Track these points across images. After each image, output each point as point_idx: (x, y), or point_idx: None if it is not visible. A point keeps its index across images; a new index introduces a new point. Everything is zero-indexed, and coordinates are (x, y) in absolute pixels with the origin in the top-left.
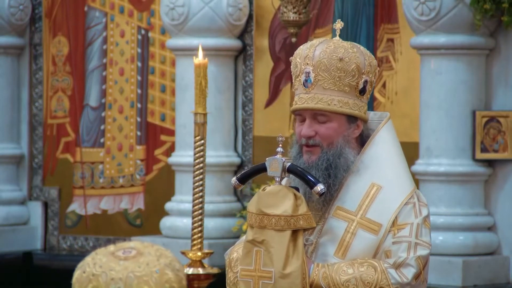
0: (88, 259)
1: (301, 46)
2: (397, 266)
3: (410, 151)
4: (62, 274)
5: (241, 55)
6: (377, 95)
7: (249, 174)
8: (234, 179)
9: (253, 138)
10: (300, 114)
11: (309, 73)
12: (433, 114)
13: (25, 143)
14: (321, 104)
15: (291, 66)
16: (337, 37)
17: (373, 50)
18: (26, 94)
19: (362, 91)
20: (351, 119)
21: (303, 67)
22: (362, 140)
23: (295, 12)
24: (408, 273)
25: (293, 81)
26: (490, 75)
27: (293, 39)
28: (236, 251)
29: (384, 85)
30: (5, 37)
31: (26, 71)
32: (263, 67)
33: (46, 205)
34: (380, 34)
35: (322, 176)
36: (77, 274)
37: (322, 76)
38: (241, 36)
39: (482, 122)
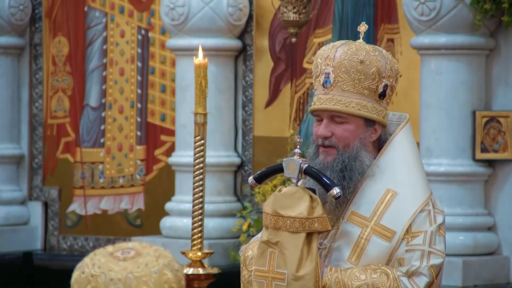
0: (86, 259)
1: (323, 47)
2: (410, 274)
3: None
4: (62, 274)
5: (241, 55)
6: None
7: (266, 174)
8: (251, 178)
9: (253, 138)
10: (318, 115)
11: (329, 74)
12: (433, 114)
13: (25, 143)
14: (339, 106)
15: (312, 67)
16: (360, 40)
17: None
18: (26, 94)
19: (382, 95)
20: (369, 122)
21: (323, 67)
22: (380, 145)
23: (295, 12)
24: (421, 282)
25: (313, 81)
26: (490, 75)
27: (293, 39)
28: (251, 249)
29: None
30: (5, 37)
31: (26, 71)
32: (263, 67)
33: (46, 205)
34: (380, 34)
35: (336, 177)
36: (75, 274)
37: (342, 78)
38: (241, 36)
39: (482, 122)
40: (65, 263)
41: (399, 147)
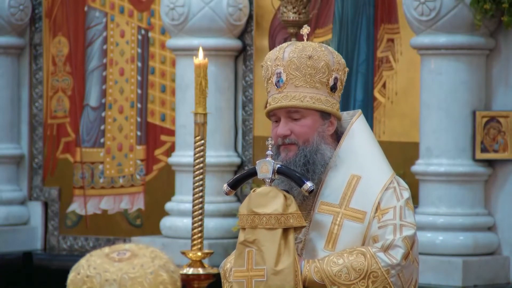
0: (82, 261)
1: (271, 51)
2: (385, 248)
3: (410, 151)
4: (62, 274)
5: (241, 55)
6: (377, 95)
7: (240, 179)
8: (225, 185)
9: (253, 138)
10: (274, 115)
11: (280, 73)
12: (433, 114)
13: (25, 143)
14: (294, 101)
15: (263, 71)
16: (305, 41)
17: (373, 50)
18: (26, 94)
19: (333, 88)
20: (325, 115)
21: (274, 68)
22: (338, 138)
23: (295, 12)
24: (397, 254)
25: (265, 85)
26: (490, 75)
27: (293, 39)
28: (229, 262)
29: (384, 85)
30: (5, 37)
31: (26, 71)
32: None
33: (46, 205)
34: (380, 34)
35: (300, 171)
36: (71, 276)
37: (293, 75)
38: (241, 36)
39: (482, 122)
40: (65, 263)
41: (356, 135)
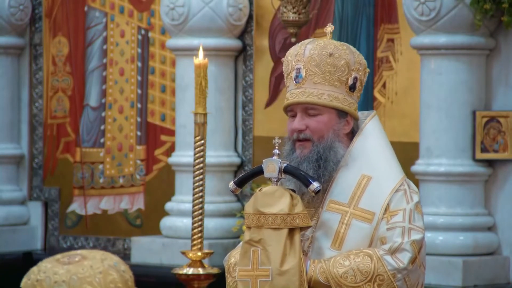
0: (34, 267)
1: (293, 46)
2: (393, 251)
3: (410, 151)
4: None
5: (241, 55)
6: (377, 95)
7: (246, 178)
8: (231, 183)
9: (253, 138)
10: (291, 110)
11: (299, 68)
12: (433, 114)
13: (25, 143)
14: (311, 98)
15: (283, 66)
16: (328, 38)
17: (373, 50)
18: (26, 94)
19: (352, 88)
20: (341, 114)
21: (294, 64)
22: (353, 137)
23: (295, 12)
24: (404, 258)
25: (284, 80)
26: (490, 75)
27: (293, 39)
28: (233, 256)
29: (384, 85)
30: (5, 37)
31: (26, 71)
32: (263, 67)
33: (46, 205)
34: (380, 34)
35: (312, 167)
36: (23, 282)
37: (313, 71)
38: (241, 36)
39: (482, 122)
40: None
41: (369, 136)
